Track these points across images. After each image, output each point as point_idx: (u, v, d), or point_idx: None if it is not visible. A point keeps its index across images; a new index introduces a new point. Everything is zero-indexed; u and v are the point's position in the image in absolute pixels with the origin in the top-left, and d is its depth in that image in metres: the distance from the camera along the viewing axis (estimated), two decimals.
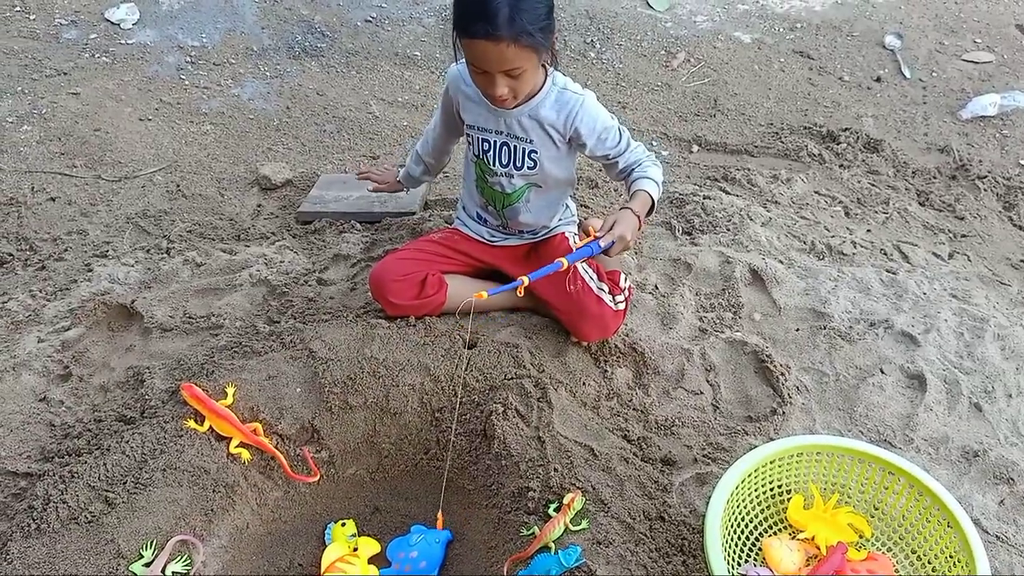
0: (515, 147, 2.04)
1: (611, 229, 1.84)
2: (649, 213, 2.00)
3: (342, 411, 1.91)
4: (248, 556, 1.75)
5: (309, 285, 2.37)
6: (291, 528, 1.84)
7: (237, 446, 1.80)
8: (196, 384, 1.85)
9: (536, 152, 2.03)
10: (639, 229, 1.91)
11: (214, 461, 1.75)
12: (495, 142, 2.06)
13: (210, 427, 1.80)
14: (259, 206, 2.90)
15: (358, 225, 2.72)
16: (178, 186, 3.01)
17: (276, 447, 1.83)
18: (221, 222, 2.78)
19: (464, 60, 1.89)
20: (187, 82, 3.71)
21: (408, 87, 3.77)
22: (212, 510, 1.69)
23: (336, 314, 2.19)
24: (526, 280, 1.74)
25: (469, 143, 2.12)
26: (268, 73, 3.81)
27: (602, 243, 1.84)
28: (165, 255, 2.53)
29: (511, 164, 2.07)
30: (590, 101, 2.00)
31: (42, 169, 3.10)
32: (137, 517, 1.60)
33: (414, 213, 2.75)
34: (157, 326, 2.19)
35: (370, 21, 4.18)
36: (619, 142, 2.04)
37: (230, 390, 1.86)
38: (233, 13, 4.15)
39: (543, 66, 1.94)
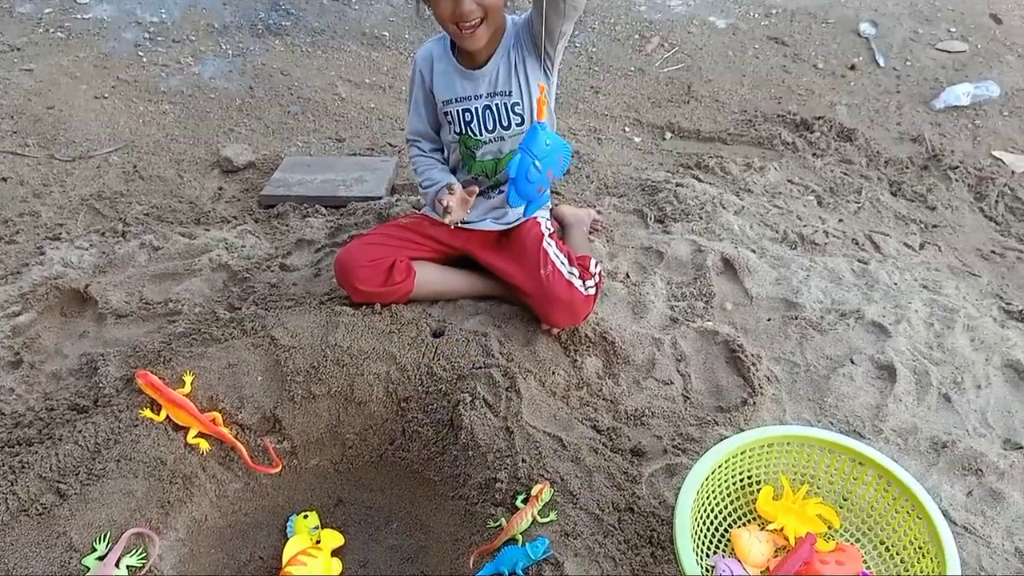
0: (498, 107, 2.01)
1: None
2: None
3: (305, 400, 1.86)
4: (207, 549, 1.69)
5: (272, 271, 2.30)
6: (252, 520, 1.78)
7: (195, 436, 1.74)
8: (152, 372, 1.78)
9: (518, 104, 2.01)
10: None
11: (171, 451, 1.69)
12: (477, 109, 2.02)
13: (167, 416, 1.74)
14: (220, 189, 2.81)
15: (323, 209, 2.65)
16: (135, 167, 2.91)
17: (236, 437, 1.78)
18: (180, 205, 2.69)
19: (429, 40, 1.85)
20: (145, 59, 3.59)
21: (376, 68, 3.68)
22: (169, 502, 1.63)
23: (299, 301, 2.14)
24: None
25: (449, 123, 2.07)
26: (230, 51, 3.70)
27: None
28: (121, 238, 2.44)
29: (497, 126, 2.03)
30: None
31: None
32: (90, 509, 1.53)
33: (380, 197, 2.68)
34: (112, 312, 2.11)
35: None
36: None
37: (188, 378, 1.80)
38: None
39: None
